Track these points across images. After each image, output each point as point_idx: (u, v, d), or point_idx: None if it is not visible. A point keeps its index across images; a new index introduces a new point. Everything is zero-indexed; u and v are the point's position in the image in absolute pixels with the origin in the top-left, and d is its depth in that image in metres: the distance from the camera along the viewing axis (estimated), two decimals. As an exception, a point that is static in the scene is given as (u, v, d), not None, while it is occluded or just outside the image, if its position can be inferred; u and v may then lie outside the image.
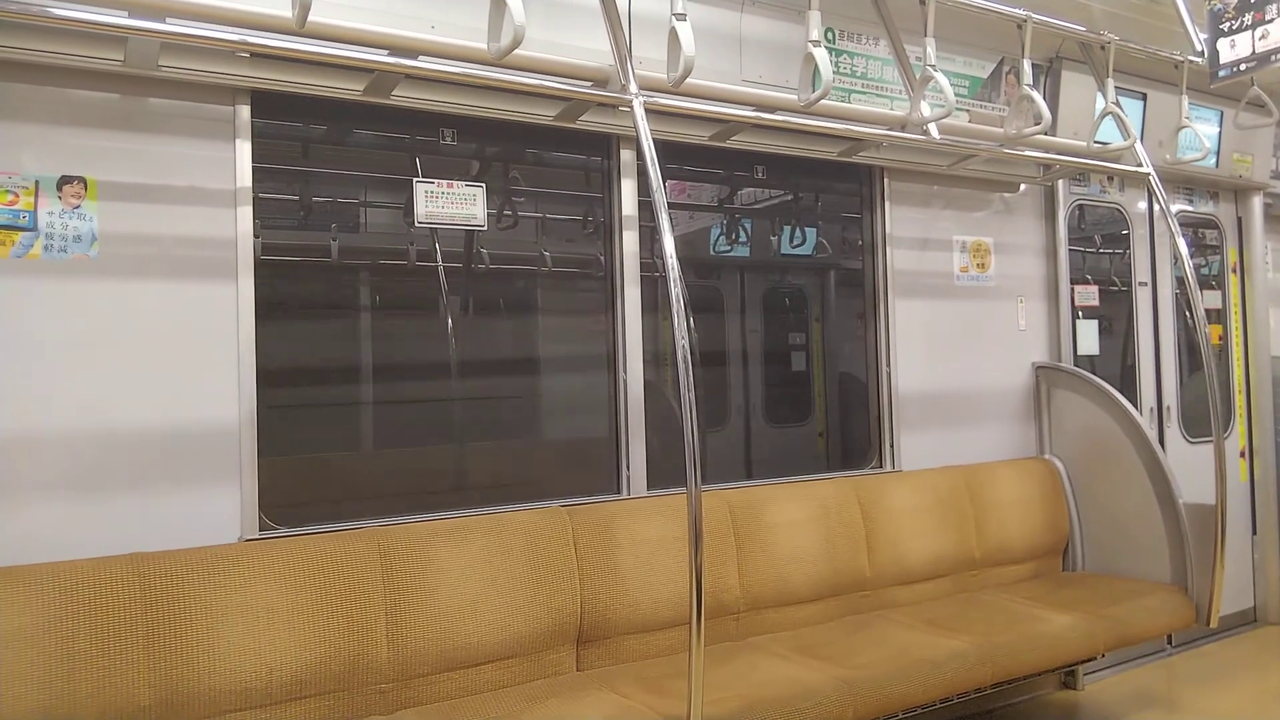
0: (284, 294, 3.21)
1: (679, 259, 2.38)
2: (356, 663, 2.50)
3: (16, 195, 2.34)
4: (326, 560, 2.53)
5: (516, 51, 2.35)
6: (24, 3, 1.99)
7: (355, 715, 2.51)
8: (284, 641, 2.41)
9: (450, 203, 3.00)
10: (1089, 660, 3.50)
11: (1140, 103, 4.40)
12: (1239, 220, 5.32)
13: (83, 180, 2.42)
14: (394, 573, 2.60)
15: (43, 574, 2.22)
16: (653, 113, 2.59)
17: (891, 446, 3.89)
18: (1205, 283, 5.21)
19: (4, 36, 2.21)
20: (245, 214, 2.62)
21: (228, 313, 2.59)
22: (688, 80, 2.63)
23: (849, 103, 3.54)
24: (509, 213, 3.55)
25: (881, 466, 3.90)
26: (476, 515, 2.86)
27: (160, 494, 2.48)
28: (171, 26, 2.15)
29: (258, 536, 2.58)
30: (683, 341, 2.30)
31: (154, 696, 2.25)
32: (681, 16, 2.56)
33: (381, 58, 2.41)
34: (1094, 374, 4.23)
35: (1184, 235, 3.77)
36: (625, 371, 3.24)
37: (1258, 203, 5.28)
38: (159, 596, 2.31)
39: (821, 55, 2.79)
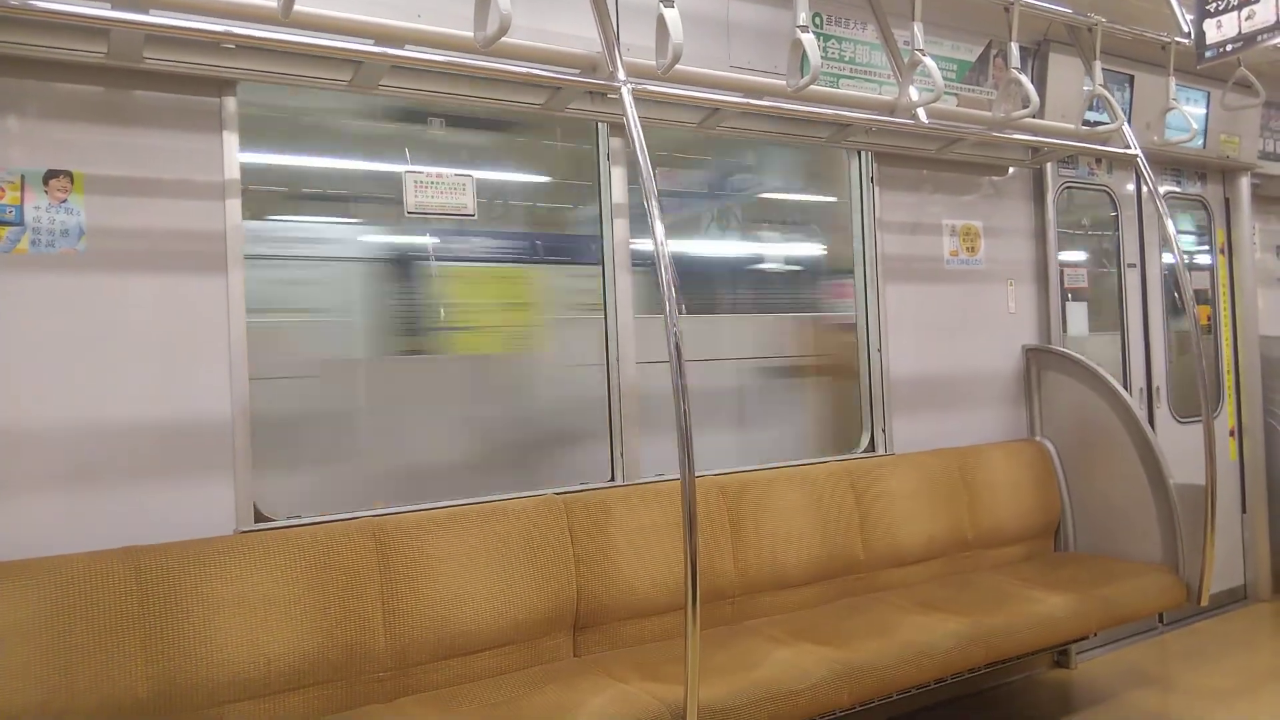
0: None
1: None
2: (354, 652, 2.51)
3: (2, 190, 2.33)
4: (322, 550, 2.53)
5: (503, 39, 2.34)
6: (5, -5, 1.98)
7: (354, 704, 2.52)
8: (281, 632, 2.42)
9: (440, 192, 3.00)
10: (1081, 639, 3.55)
11: (1128, 85, 4.42)
12: (1226, 201, 5.35)
13: (69, 174, 2.41)
14: (390, 561, 2.61)
15: (38, 568, 2.22)
16: (641, 99, 2.59)
17: (884, 430, 3.91)
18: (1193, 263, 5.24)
19: (-14, 30, 2.20)
20: (234, 206, 2.61)
21: (218, 305, 2.58)
22: (677, 67, 2.63)
23: (837, 88, 3.54)
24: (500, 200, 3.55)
25: (874, 450, 3.92)
26: (472, 504, 2.86)
27: (154, 487, 2.48)
28: (154, 18, 2.13)
29: (253, 528, 2.58)
30: (674, 329, 2.31)
31: (152, 689, 2.26)
32: (669, 3, 2.56)
33: (367, 47, 2.40)
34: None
35: (1171, 216, 3.78)
36: (618, 359, 3.25)
37: (1245, 183, 5.31)
38: (155, 589, 2.31)
39: (810, 40, 2.79)
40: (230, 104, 2.60)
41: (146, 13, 2.13)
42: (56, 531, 2.34)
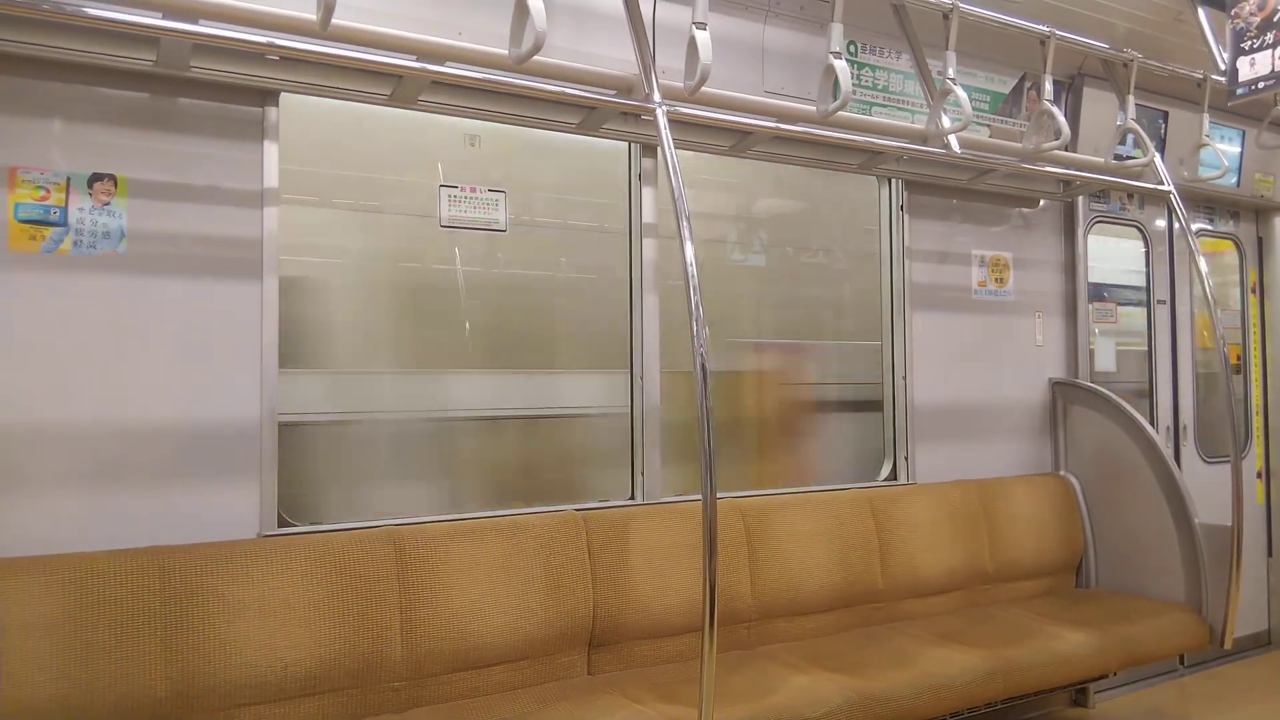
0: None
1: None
2: (370, 660, 2.52)
3: (48, 191, 2.38)
4: (343, 558, 2.55)
5: (541, 59, 2.38)
6: (59, 2, 2.03)
7: (367, 712, 2.53)
8: (299, 637, 2.43)
9: (473, 207, 3.03)
10: (1100, 678, 3.49)
11: (1162, 120, 4.40)
12: (1259, 240, 5.30)
13: (113, 178, 2.46)
14: (409, 571, 2.62)
15: (63, 564, 2.25)
16: (674, 122, 2.61)
17: (906, 459, 3.89)
18: (1223, 302, 5.19)
19: (40, 35, 2.25)
20: (271, 214, 2.65)
21: (252, 312, 2.62)
22: (710, 90, 2.66)
23: (870, 115, 3.55)
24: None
25: (896, 479, 3.90)
26: (492, 517, 2.87)
27: (181, 489, 2.51)
28: (204, 28, 2.19)
29: (276, 533, 2.60)
30: (700, 350, 2.31)
31: (170, 688, 2.27)
32: (701, 25, 2.59)
33: (408, 62, 2.45)
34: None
35: (1202, 254, 3.76)
36: (642, 378, 3.26)
37: (1278, 223, 5.26)
38: (177, 590, 2.33)
39: (842, 67, 2.80)
40: (272, 114, 2.65)
41: (196, 22, 2.19)
42: (83, 529, 2.37)
